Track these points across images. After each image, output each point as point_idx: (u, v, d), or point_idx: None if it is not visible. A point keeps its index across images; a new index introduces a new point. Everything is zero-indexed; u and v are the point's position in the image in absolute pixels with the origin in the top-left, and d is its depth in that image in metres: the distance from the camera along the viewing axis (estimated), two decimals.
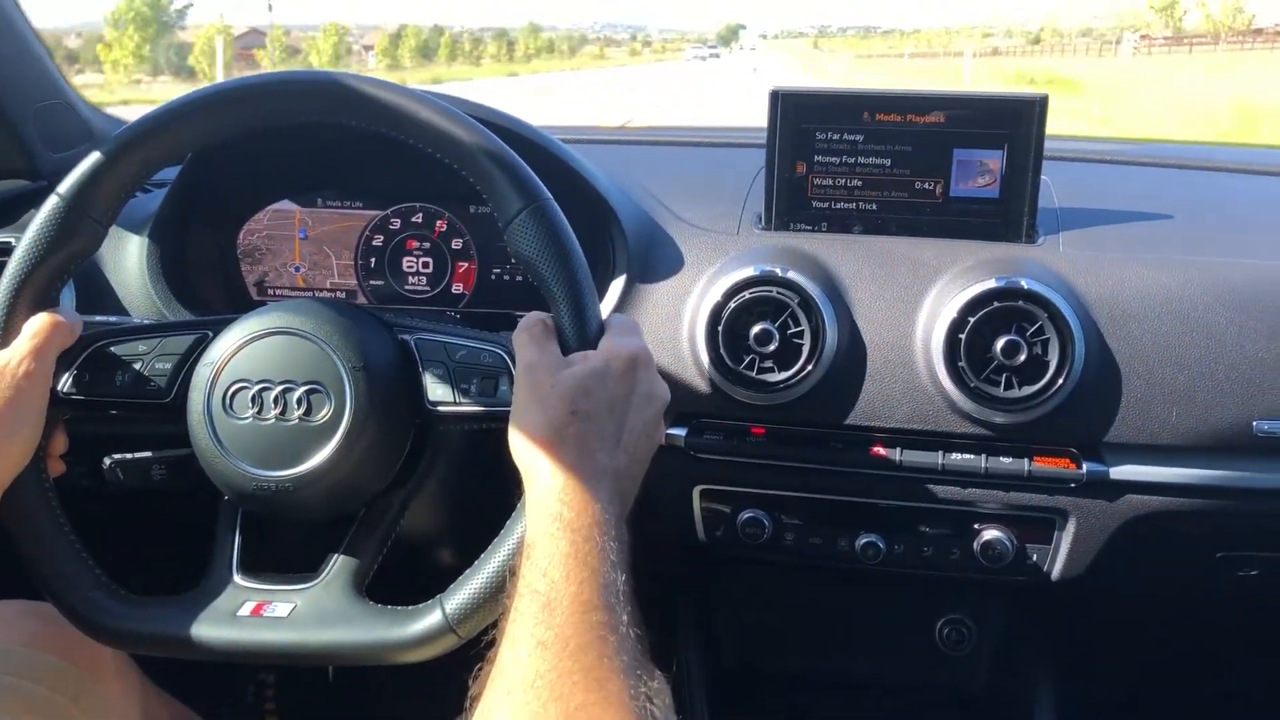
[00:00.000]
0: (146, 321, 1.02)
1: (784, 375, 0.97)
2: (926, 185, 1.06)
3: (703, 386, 1.00)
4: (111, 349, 0.83)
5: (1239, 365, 0.94)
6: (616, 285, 1.04)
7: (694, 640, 1.29)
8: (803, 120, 1.06)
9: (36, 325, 0.78)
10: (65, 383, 0.81)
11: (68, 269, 0.81)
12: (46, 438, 0.80)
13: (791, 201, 1.08)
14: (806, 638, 1.32)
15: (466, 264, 1.14)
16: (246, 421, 0.77)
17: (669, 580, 1.28)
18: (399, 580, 0.82)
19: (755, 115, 1.25)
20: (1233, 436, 0.94)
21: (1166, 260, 1.01)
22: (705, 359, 0.98)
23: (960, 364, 0.94)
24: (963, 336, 0.94)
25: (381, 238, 1.15)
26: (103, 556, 0.82)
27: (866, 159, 1.06)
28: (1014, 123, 1.02)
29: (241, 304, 1.15)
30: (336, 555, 0.79)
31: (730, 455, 1.01)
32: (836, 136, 1.06)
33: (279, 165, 1.13)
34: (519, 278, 1.13)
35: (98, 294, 1.08)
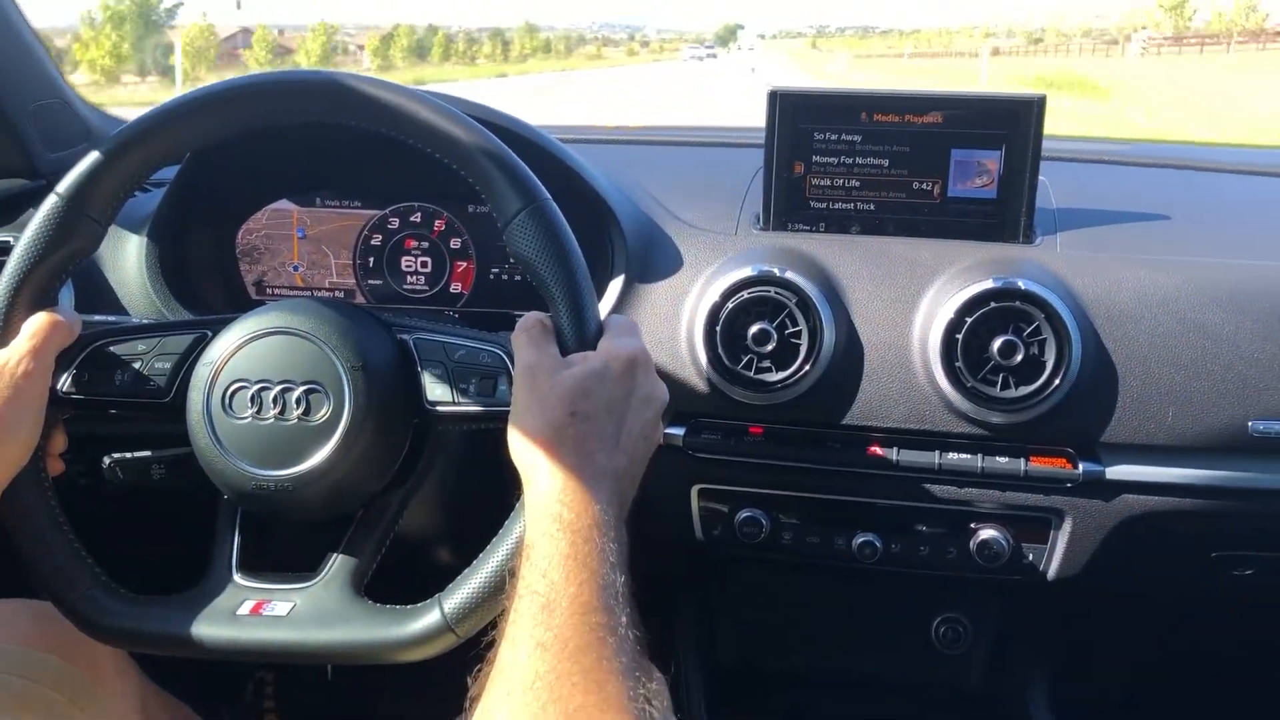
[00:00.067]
0: (145, 321, 1.03)
1: (782, 375, 0.97)
2: (924, 186, 1.06)
3: (701, 386, 1.00)
4: (111, 348, 0.83)
5: (1235, 365, 0.94)
6: (615, 285, 1.04)
7: (692, 639, 1.30)
8: (801, 120, 1.06)
9: (35, 325, 0.78)
10: (64, 382, 0.81)
11: (66, 268, 0.81)
12: (46, 437, 0.80)
13: (789, 202, 1.08)
14: (804, 637, 1.32)
15: (465, 264, 1.14)
16: (245, 421, 0.77)
17: (668, 580, 1.28)
18: (398, 579, 0.82)
19: (753, 115, 1.25)
20: (1229, 436, 0.94)
21: (1163, 261, 1.01)
22: (703, 359, 0.99)
23: (957, 364, 0.95)
24: (960, 336, 0.94)
25: (380, 237, 1.15)
26: (102, 555, 0.82)
27: (864, 159, 1.06)
28: (1012, 123, 1.02)
29: (240, 303, 1.15)
30: (336, 554, 0.79)
31: (728, 455, 1.02)
32: (834, 137, 1.06)
33: (278, 165, 1.13)
34: (517, 277, 1.13)
35: (97, 293, 1.08)
